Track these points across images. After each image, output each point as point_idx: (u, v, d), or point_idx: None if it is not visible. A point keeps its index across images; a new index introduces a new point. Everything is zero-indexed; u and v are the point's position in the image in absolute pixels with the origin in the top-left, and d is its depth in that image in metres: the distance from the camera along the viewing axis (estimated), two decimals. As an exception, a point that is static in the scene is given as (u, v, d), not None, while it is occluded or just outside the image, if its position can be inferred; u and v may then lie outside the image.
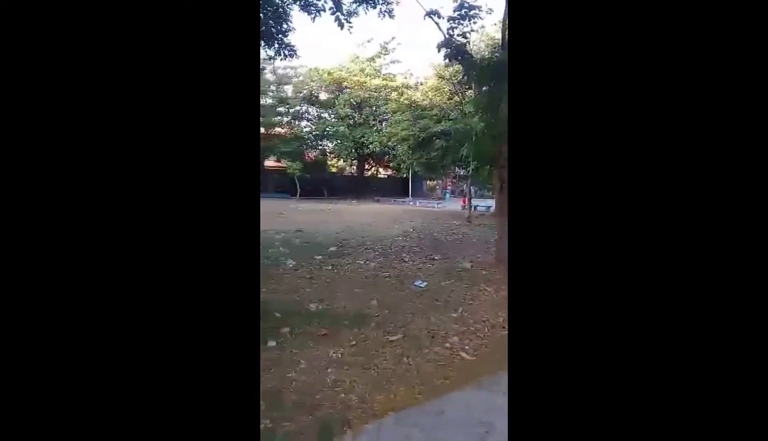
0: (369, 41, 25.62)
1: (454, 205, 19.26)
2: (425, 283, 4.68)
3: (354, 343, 2.98)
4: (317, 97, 24.03)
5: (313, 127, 24.19)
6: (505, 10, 5.57)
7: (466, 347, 2.97)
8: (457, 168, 18.18)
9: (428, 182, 27.08)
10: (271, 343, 2.90)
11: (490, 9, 7.07)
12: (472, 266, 5.68)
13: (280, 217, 11.84)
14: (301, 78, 23.65)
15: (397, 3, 6.73)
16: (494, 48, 6.78)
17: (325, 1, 6.45)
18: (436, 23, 5.69)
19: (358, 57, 23.60)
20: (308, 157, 24.21)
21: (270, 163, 25.01)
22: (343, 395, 2.26)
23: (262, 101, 23.00)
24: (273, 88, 23.12)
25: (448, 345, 3.00)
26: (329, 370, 2.54)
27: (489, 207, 14.84)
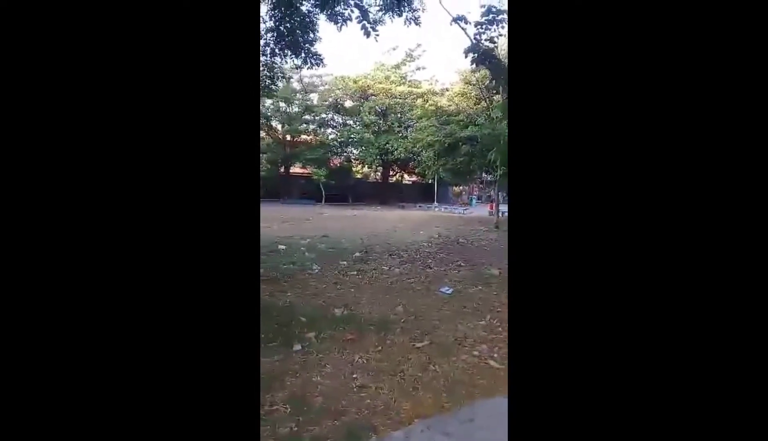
0: (394, 49, 25.88)
1: (481, 210, 19.02)
2: (451, 290, 4.61)
3: (380, 348, 2.95)
4: (342, 104, 24.31)
5: (338, 134, 24.47)
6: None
7: (495, 355, 2.89)
8: (484, 173, 17.95)
9: (454, 188, 26.84)
10: (297, 347, 2.90)
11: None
12: (500, 273, 5.56)
13: (306, 222, 11.99)
14: (327, 86, 24.01)
15: (423, 10, 6.75)
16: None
17: (351, 11, 6.53)
18: (463, 29, 5.67)
19: (383, 64, 23.77)
20: (333, 163, 24.49)
21: (296, 169, 25.45)
22: (368, 401, 2.23)
23: (289, 109, 23.49)
24: (299, 96, 23.58)
25: (476, 352, 2.93)
26: (355, 376, 2.52)
27: (516, 213, 14.51)
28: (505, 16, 5.54)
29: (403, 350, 2.94)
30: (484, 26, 5.59)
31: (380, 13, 6.61)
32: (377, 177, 27.58)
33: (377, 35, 6.44)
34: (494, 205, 14.35)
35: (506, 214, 14.76)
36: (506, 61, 6.42)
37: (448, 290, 4.59)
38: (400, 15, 6.60)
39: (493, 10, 5.57)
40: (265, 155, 22.70)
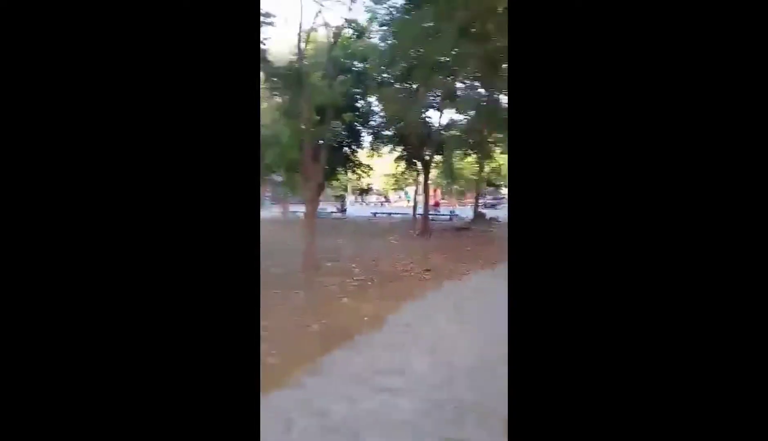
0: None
1: (272, 211, 18.92)
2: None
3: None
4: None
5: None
6: (300, 22, 5.75)
7: (273, 352, 2.98)
8: (273, 175, 17.84)
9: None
10: None
11: (286, 18, 7.16)
12: (282, 271, 5.69)
13: None
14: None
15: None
16: (297, 57, 6.92)
17: None
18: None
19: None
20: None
21: None
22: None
23: None
24: None
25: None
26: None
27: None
28: (272, 20, 5.66)
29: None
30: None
31: None
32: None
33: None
34: (285, 205, 14.48)
35: (298, 213, 15.04)
36: (281, 64, 6.52)
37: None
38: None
39: (263, 13, 5.60)
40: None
